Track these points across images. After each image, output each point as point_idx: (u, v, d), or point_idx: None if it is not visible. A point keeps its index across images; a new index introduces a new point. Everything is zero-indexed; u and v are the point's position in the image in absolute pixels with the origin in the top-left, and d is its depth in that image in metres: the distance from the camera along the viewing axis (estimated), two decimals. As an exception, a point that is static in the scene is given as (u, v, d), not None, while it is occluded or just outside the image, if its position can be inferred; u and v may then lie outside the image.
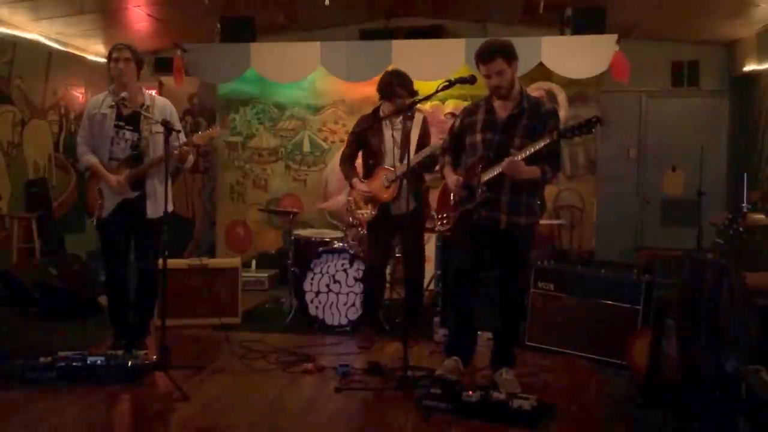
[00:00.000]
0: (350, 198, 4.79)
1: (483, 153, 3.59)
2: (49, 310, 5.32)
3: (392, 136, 4.58)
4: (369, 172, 4.69)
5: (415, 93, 4.53)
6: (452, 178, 3.72)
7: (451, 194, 3.78)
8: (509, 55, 3.51)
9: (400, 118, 4.53)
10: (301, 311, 5.02)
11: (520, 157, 3.41)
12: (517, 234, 3.61)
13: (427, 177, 6.09)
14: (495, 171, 3.50)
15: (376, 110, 4.66)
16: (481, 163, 3.58)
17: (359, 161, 4.82)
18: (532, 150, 3.40)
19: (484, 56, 3.51)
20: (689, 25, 6.74)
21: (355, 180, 4.70)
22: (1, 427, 3.19)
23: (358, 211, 4.72)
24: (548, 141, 3.38)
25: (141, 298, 4.34)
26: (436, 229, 4.22)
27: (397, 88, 4.47)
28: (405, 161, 4.44)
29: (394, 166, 4.56)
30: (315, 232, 5.70)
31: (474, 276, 3.75)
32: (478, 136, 3.63)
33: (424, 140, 4.58)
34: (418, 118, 4.59)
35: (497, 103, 3.63)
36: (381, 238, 4.71)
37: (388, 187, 4.54)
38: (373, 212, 4.64)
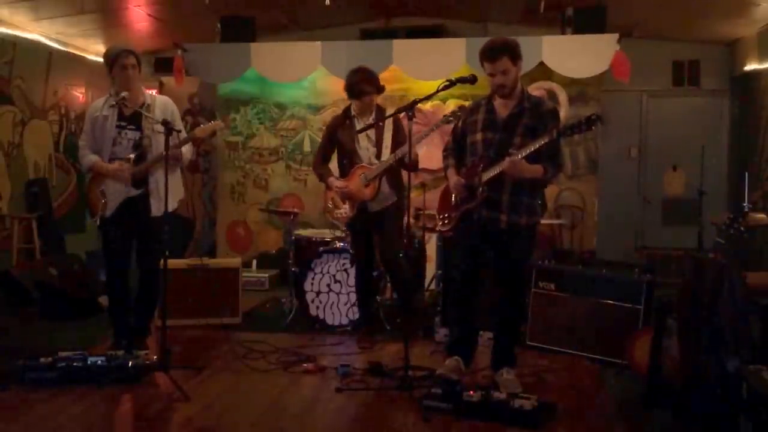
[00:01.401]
0: (329, 198, 4.69)
1: (484, 152, 3.59)
2: (49, 310, 5.32)
3: (366, 134, 4.54)
4: (345, 172, 4.62)
5: (382, 88, 4.52)
6: (454, 179, 3.72)
7: (453, 195, 3.78)
8: (515, 54, 3.51)
9: (372, 115, 4.51)
10: (302, 311, 5.01)
11: (520, 156, 3.40)
12: (518, 234, 3.61)
13: (428, 177, 6.11)
14: (496, 170, 3.49)
15: (347, 109, 4.62)
16: (482, 162, 3.58)
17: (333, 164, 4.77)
18: (532, 149, 3.40)
19: (489, 54, 3.50)
20: (690, 24, 6.75)
21: (330, 179, 4.63)
22: (1, 428, 3.18)
23: (337, 211, 4.64)
24: (548, 139, 3.38)
25: (142, 299, 4.33)
26: (437, 229, 4.21)
27: (363, 85, 4.43)
28: (381, 159, 4.45)
29: (371, 164, 4.51)
30: (315, 232, 5.69)
31: (475, 276, 3.74)
32: (479, 135, 3.63)
33: (397, 137, 4.54)
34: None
35: (498, 102, 3.63)
36: (363, 237, 4.66)
37: (367, 186, 4.48)
38: (353, 211, 4.57)
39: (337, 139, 4.61)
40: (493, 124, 3.60)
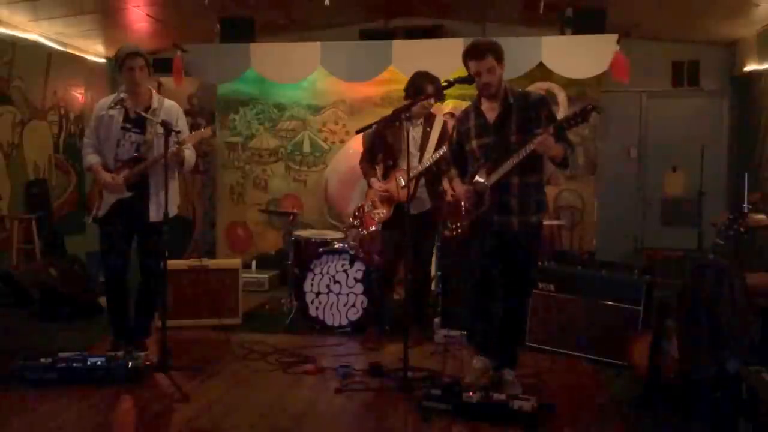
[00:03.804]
0: (369, 199, 4.79)
1: (482, 158, 3.61)
2: (49, 310, 5.32)
3: (413, 137, 4.56)
4: (387, 173, 4.70)
5: (442, 94, 4.49)
6: (461, 189, 3.74)
7: (462, 203, 3.78)
8: (499, 54, 3.56)
9: (421, 119, 4.57)
10: (302, 312, 5.01)
11: (546, 134, 3.39)
12: (529, 234, 3.62)
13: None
14: (506, 168, 3.50)
15: (398, 111, 4.62)
16: (484, 168, 3.59)
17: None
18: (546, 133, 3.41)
19: (475, 53, 3.54)
20: (690, 24, 6.74)
21: (373, 180, 4.71)
22: (1, 428, 3.18)
23: (375, 211, 4.71)
24: (550, 132, 3.38)
25: (142, 300, 4.33)
26: (446, 234, 4.21)
27: (428, 85, 4.43)
28: (422, 163, 4.48)
29: (413, 167, 4.52)
30: (315, 233, 5.69)
31: (493, 280, 3.72)
32: (474, 143, 3.66)
33: (443, 141, 4.55)
34: (439, 119, 4.59)
35: (485, 106, 3.66)
36: (394, 239, 4.65)
37: (403, 187, 4.49)
38: (389, 213, 4.65)
39: (386, 141, 4.65)
40: (485, 128, 3.63)
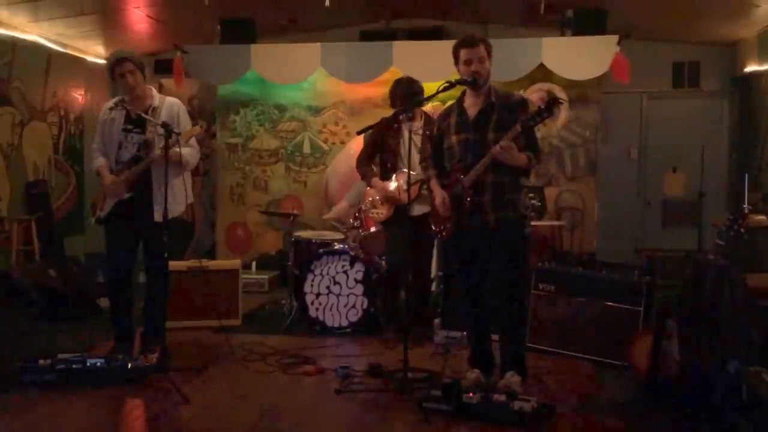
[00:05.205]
0: (368, 198, 4.84)
1: (461, 155, 3.63)
2: (48, 312, 5.32)
3: (412, 140, 4.57)
4: (386, 175, 4.73)
5: (412, 99, 4.50)
6: (439, 198, 3.74)
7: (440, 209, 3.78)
8: (489, 47, 3.65)
9: (422, 122, 4.62)
10: (302, 313, 5.01)
11: (506, 142, 3.43)
12: (509, 230, 3.60)
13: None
14: (479, 170, 3.52)
15: (396, 114, 4.64)
16: (460, 171, 3.61)
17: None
18: (511, 137, 3.44)
19: (469, 41, 3.61)
20: (690, 25, 6.74)
21: (375, 179, 4.76)
22: (1, 429, 3.18)
23: (374, 210, 4.75)
24: (518, 131, 3.41)
25: (152, 302, 4.27)
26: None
27: (390, 96, 4.62)
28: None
29: (414, 170, 4.52)
30: (315, 234, 5.69)
31: (479, 285, 3.73)
32: (454, 138, 3.68)
33: None
34: None
35: (467, 103, 3.69)
36: (398, 239, 4.65)
37: (406, 190, 4.48)
38: (389, 213, 4.70)
39: (384, 143, 4.73)
40: (465, 125, 3.65)
